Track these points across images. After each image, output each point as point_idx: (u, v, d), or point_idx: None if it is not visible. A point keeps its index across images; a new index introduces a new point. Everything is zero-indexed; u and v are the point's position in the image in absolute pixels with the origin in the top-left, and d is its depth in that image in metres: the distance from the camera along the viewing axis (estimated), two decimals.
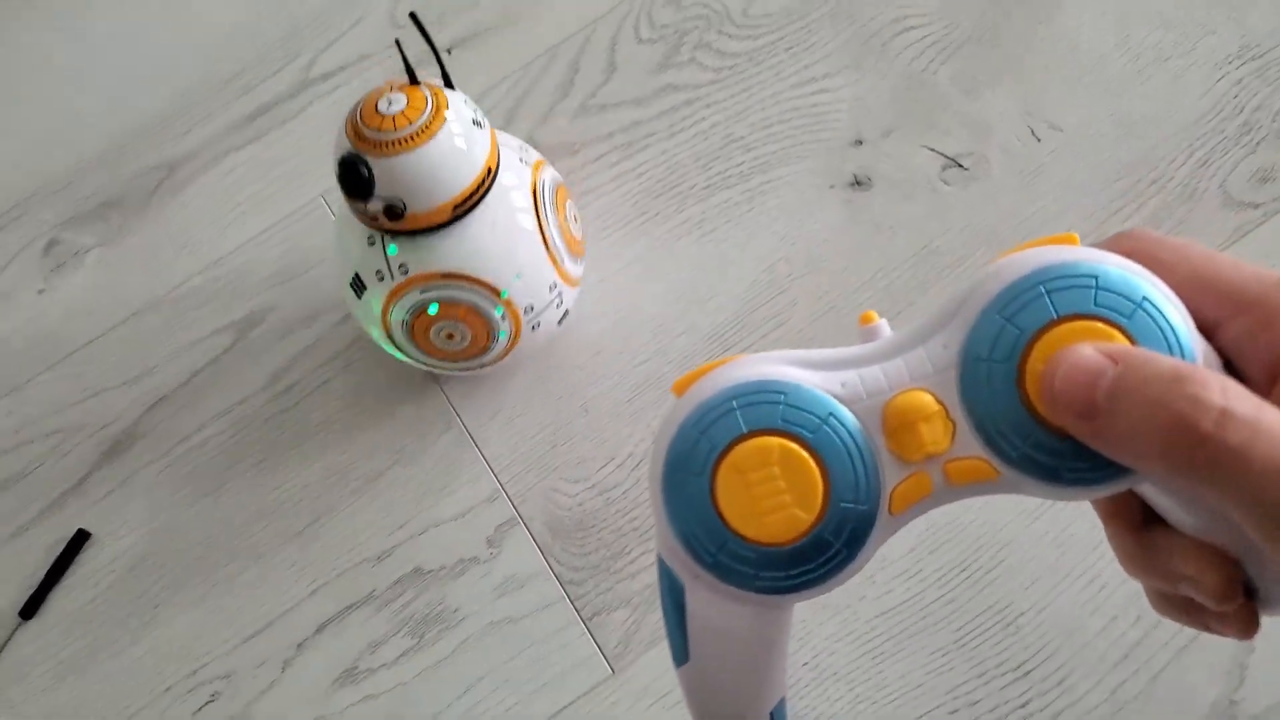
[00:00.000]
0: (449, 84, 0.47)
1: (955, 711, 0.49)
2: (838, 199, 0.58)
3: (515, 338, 0.51)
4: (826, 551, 0.27)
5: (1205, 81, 0.57)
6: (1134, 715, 0.48)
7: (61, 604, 0.57)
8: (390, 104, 0.43)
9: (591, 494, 0.55)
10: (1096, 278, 0.25)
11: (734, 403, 0.27)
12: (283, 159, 0.63)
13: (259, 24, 0.66)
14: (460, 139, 0.44)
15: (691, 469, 0.27)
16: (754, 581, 0.27)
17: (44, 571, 0.57)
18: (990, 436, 0.26)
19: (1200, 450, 0.22)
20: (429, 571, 0.55)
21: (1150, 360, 0.23)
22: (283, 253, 0.61)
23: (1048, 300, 0.25)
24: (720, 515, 0.27)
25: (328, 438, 0.58)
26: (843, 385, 0.27)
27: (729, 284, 0.57)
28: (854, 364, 0.28)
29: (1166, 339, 0.25)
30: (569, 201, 0.53)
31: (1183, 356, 0.25)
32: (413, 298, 0.48)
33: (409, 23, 0.45)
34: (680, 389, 0.29)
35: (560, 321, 0.53)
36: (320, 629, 0.55)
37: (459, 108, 0.45)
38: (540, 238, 0.49)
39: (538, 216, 0.49)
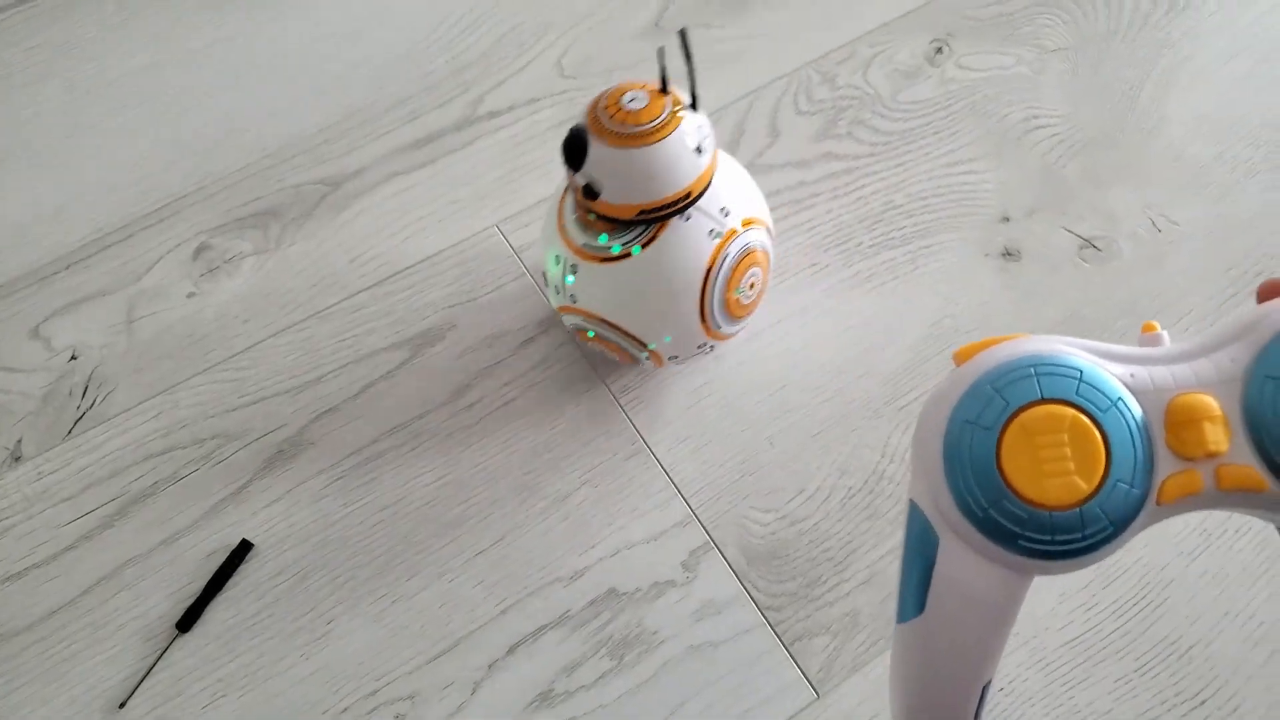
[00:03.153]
0: (694, 105, 0.49)
1: None
2: (992, 267, 0.63)
3: (659, 365, 0.56)
4: (1094, 525, 0.28)
5: None
6: None
7: (222, 617, 0.53)
8: (633, 100, 0.46)
9: (783, 524, 0.56)
10: None
11: (1032, 370, 0.29)
12: (454, 186, 0.64)
13: (427, 54, 0.67)
14: (674, 155, 0.46)
15: (981, 422, 0.29)
16: (1016, 542, 0.28)
17: (200, 582, 0.53)
18: (1266, 449, 0.28)
19: None
20: (625, 593, 0.54)
21: None
22: (459, 275, 0.61)
23: None
24: (1001, 471, 0.28)
25: (512, 456, 0.57)
26: (1131, 376, 0.29)
27: (901, 334, 0.61)
28: (1140, 361, 0.30)
29: None
30: (754, 268, 0.53)
31: None
32: (577, 319, 0.52)
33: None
34: (962, 357, 0.31)
35: (708, 353, 0.56)
36: (512, 649, 0.53)
37: (687, 130, 0.47)
38: (699, 307, 0.51)
39: (703, 290, 0.50)
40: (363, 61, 0.67)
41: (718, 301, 0.52)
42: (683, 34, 0.46)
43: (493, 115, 0.66)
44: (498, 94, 0.67)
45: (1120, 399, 0.29)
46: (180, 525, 0.54)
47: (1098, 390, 0.29)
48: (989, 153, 0.67)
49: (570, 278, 0.51)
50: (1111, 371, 0.29)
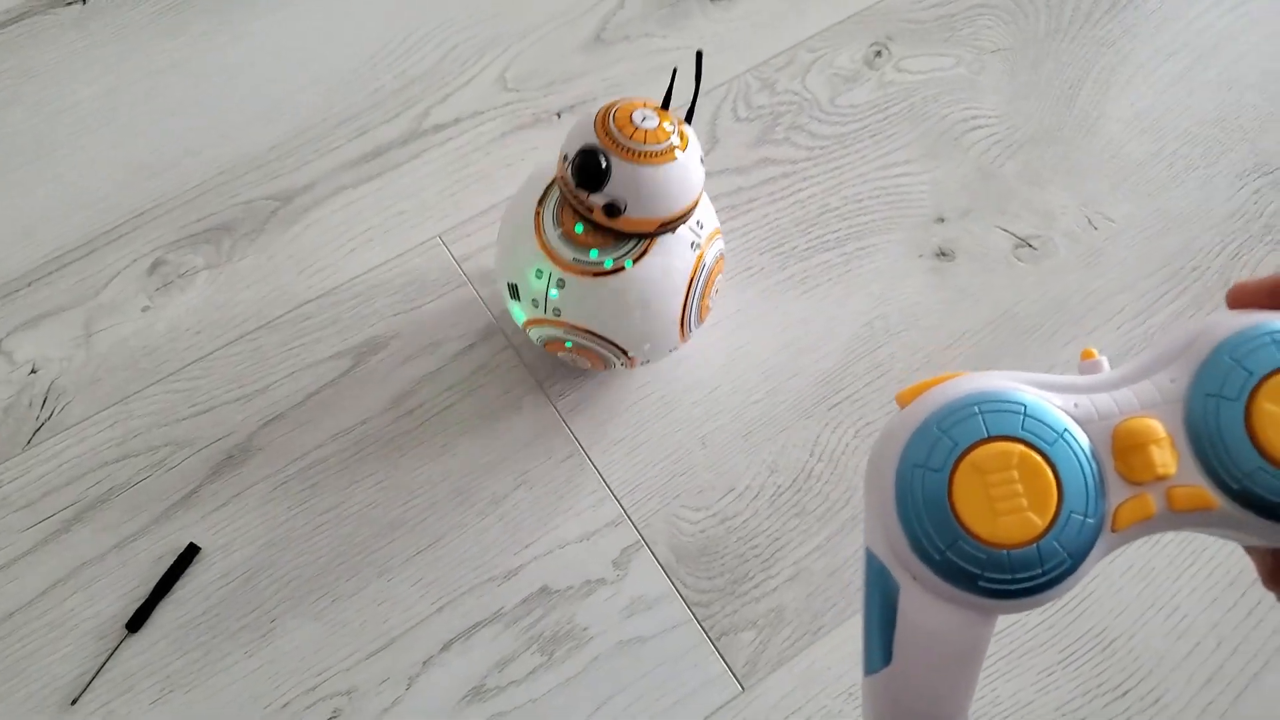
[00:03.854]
0: (690, 118, 0.50)
1: None
2: (925, 267, 0.64)
3: (630, 368, 0.59)
4: (1053, 559, 0.28)
5: (1229, 189, 0.67)
6: None
7: (170, 617, 0.55)
8: (644, 119, 0.47)
9: (713, 522, 0.58)
10: None
11: (976, 408, 0.29)
12: (399, 199, 0.66)
13: (374, 71, 0.70)
14: (690, 169, 0.48)
15: (931, 464, 0.29)
16: (977, 584, 0.28)
17: (150, 584, 0.56)
18: (1213, 467, 0.28)
19: None
20: (557, 591, 0.56)
21: None
22: (403, 285, 0.63)
23: (1277, 350, 0.28)
24: (955, 512, 0.28)
25: (451, 460, 0.59)
26: (1075, 406, 0.29)
27: (833, 335, 0.62)
28: (1082, 390, 0.30)
29: None
30: (720, 275, 0.55)
31: None
32: (555, 331, 0.53)
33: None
34: (905, 399, 0.30)
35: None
36: (446, 646, 0.55)
37: (695, 142, 0.49)
38: (680, 315, 0.53)
39: (686, 298, 0.52)
40: (313, 80, 0.70)
41: (695, 308, 0.53)
42: (699, 55, 0.48)
43: (438, 129, 0.68)
44: (443, 108, 0.69)
45: (1066, 430, 0.29)
46: (133, 529, 0.57)
47: (1043, 423, 0.29)
48: (925, 154, 0.68)
49: (555, 291, 0.51)
50: (1054, 403, 0.29)
